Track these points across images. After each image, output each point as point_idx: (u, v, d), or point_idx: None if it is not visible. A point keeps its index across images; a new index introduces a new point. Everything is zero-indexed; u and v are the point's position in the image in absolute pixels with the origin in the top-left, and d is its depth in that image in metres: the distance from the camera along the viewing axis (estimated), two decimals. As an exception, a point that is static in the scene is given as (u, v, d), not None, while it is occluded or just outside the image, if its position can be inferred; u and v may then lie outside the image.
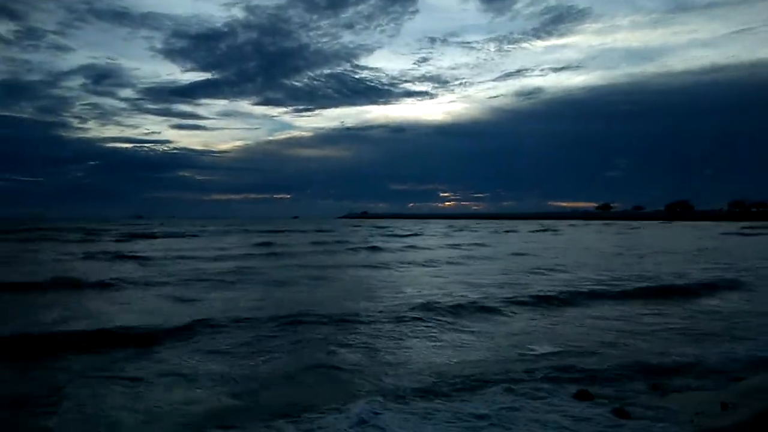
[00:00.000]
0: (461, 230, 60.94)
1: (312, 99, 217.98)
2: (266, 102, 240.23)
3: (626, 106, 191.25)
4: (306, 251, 27.60)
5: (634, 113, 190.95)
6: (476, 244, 34.40)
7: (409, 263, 21.05)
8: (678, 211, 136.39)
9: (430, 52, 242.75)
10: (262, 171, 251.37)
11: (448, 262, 21.29)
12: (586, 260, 21.85)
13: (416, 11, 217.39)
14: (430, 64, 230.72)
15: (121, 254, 23.16)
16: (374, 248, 29.19)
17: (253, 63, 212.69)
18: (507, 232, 54.91)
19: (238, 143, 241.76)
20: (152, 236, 42.59)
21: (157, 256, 22.96)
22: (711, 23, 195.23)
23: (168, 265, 19.40)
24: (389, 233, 50.95)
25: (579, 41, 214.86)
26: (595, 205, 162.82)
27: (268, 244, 32.25)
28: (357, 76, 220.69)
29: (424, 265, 20.30)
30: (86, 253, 24.29)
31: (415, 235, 48.56)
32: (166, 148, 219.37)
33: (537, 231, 56.84)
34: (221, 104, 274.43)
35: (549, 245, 33.02)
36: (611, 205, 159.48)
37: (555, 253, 25.95)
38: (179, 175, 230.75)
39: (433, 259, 22.77)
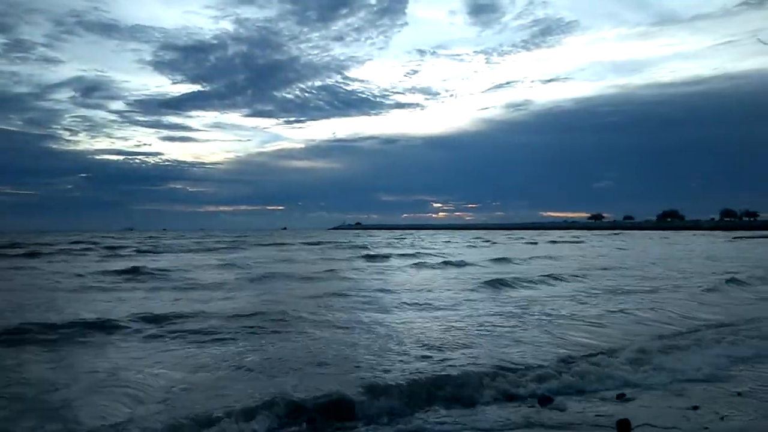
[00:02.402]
0: (475, 240, 60.72)
1: (303, 111, 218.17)
2: (256, 114, 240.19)
3: (614, 118, 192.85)
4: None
5: (622, 124, 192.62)
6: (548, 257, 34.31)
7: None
8: (669, 221, 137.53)
9: (420, 65, 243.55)
10: (253, 183, 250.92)
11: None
12: None
13: (405, 24, 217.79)
14: (419, 76, 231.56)
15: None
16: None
17: (242, 75, 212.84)
18: (528, 243, 54.89)
19: (229, 155, 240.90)
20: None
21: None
22: (695, 36, 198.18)
23: None
24: (379, 246, 50.28)
25: (567, 53, 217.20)
26: (587, 215, 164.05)
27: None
28: (348, 88, 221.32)
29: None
30: None
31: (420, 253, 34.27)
32: (157, 160, 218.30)
33: (567, 242, 54.05)
34: (211, 116, 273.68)
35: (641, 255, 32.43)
36: (603, 215, 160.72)
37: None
38: (170, 187, 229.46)
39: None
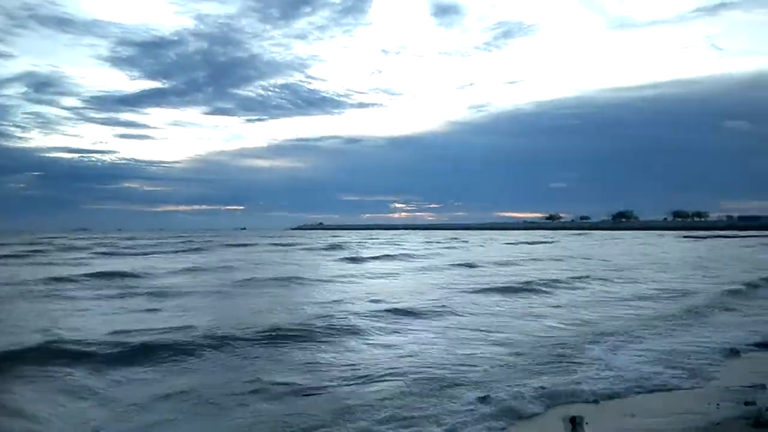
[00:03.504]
0: (450, 241, 60.92)
1: (264, 109, 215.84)
2: (217, 112, 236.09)
3: (572, 120, 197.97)
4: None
5: (579, 127, 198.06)
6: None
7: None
8: (622, 221, 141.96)
9: (383, 64, 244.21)
10: (212, 182, 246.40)
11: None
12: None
13: (369, 23, 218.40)
14: (383, 76, 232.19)
15: None
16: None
17: (203, 72, 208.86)
18: (489, 241, 55.51)
19: (188, 153, 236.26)
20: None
21: None
22: (652, 41, 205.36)
23: None
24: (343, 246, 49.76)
25: (527, 56, 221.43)
26: (544, 215, 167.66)
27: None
28: (310, 87, 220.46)
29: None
30: None
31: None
32: (112, 159, 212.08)
33: (535, 243, 54.10)
34: (170, 114, 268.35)
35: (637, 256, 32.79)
36: (559, 215, 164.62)
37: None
38: (126, 186, 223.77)
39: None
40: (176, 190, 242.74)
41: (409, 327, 10.29)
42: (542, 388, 6.42)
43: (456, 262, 26.15)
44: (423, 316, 11.27)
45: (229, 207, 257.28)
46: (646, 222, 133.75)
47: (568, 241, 56.63)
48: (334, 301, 13.41)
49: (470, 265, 24.49)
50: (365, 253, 34.68)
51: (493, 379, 6.82)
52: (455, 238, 67.22)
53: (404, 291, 15.64)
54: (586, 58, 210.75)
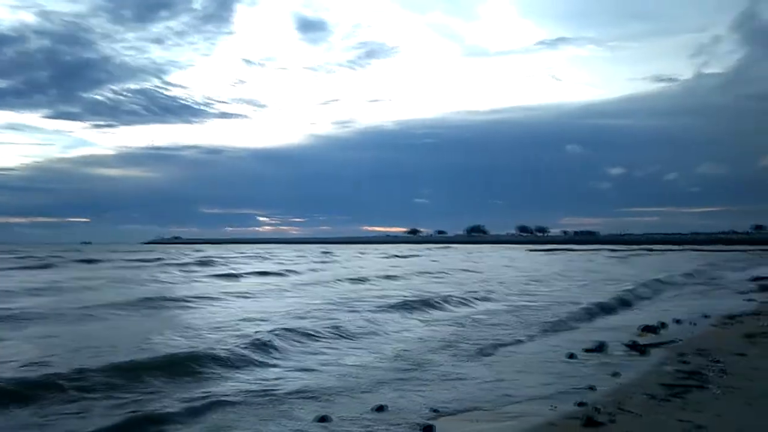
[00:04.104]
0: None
1: (115, 115, 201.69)
2: (60, 116, 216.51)
3: (430, 139, 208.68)
4: None
5: (437, 146, 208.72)
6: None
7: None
8: (475, 236, 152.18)
9: (247, 75, 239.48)
10: (53, 191, 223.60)
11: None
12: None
13: (231, 33, 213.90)
14: (246, 87, 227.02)
15: None
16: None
17: (45, 72, 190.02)
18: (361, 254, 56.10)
19: (26, 160, 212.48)
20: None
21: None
22: (501, 69, 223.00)
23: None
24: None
25: (389, 76, 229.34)
26: (405, 229, 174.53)
27: None
28: (167, 93, 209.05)
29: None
30: None
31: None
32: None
33: (409, 256, 54.90)
34: (6, 116, 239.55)
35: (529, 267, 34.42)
36: (419, 230, 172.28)
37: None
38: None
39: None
40: (11, 200, 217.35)
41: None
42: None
43: (345, 277, 26.05)
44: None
45: (72, 219, 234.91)
46: (496, 236, 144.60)
47: (436, 255, 59.13)
48: (215, 326, 12.07)
49: (361, 280, 24.44)
50: (242, 269, 33.05)
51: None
52: (327, 252, 67.30)
53: (306, 309, 14.76)
54: (444, 81, 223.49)
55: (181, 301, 16.77)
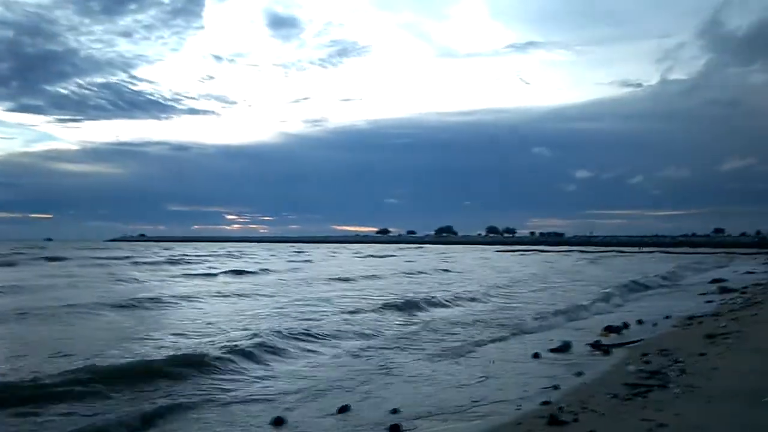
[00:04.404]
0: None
1: (80, 109, 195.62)
2: (22, 109, 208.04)
3: (402, 140, 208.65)
4: None
5: (408, 147, 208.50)
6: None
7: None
8: (444, 236, 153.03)
9: (216, 71, 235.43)
10: (14, 186, 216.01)
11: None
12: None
13: (201, 27, 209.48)
14: (215, 83, 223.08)
15: None
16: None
17: (6, 64, 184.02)
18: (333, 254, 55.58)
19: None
20: None
21: None
22: (471, 71, 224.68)
23: None
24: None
25: (361, 75, 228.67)
26: (375, 229, 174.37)
27: None
28: (134, 88, 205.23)
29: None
30: None
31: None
32: None
33: (384, 256, 54.62)
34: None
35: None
36: (389, 230, 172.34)
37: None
38: None
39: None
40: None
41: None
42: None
43: (327, 276, 25.93)
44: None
45: (32, 215, 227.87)
46: (465, 237, 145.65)
47: (410, 255, 58.91)
48: (195, 329, 11.78)
49: (345, 279, 24.43)
50: (217, 267, 32.51)
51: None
52: (300, 251, 66.88)
53: (290, 310, 14.64)
54: (416, 82, 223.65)
55: (157, 302, 16.22)
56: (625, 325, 12.53)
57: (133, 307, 15.00)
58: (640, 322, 13.21)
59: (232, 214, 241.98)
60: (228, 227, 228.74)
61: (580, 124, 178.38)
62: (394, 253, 62.97)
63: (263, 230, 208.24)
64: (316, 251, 68.64)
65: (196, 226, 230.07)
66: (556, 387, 7.52)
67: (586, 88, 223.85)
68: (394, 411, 6.59)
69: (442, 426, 6.17)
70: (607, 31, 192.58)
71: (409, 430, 6.01)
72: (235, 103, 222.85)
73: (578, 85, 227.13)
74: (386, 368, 8.80)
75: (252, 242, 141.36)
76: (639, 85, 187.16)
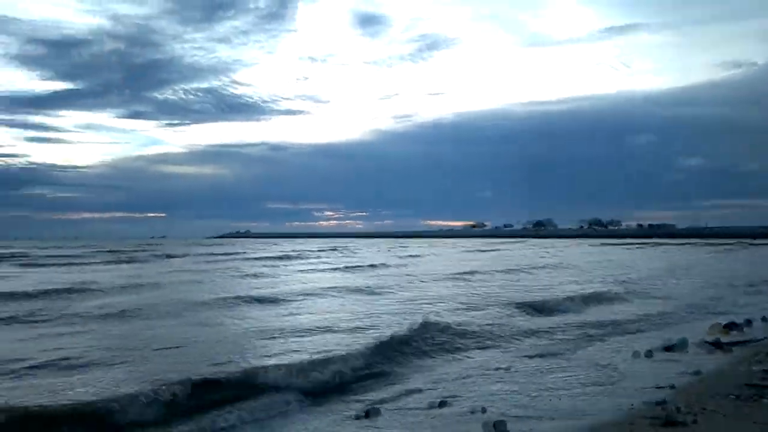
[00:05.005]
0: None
1: (185, 114, 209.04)
2: (134, 115, 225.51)
3: (492, 131, 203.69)
4: None
5: (500, 138, 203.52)
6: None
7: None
8: (543, 229, 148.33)
9: (310, 71, 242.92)
10: (130, 188, 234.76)
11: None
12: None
13: (294, 30, 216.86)
14: (308, 83, 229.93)
15: None
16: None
17: (119, 74, 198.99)
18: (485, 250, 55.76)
19: (104, 158, 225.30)
20: None
21: None
22: (565, 58, 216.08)
23: None
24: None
25: (450, 68, 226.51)
26: (469, 223, 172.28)
27: None
28: (234, 92, 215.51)
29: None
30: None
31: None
32: (20, 162, 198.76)
33: (492, 250, 53.63)
34: (84, 116, 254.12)
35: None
36: (485, 223, 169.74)
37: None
38: (37, 193, 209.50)
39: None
40: (91, 197, 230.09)
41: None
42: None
43: (450, 270, 26.01)
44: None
45: (150, 214, 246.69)
46: (565, 230, 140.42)
47: (517, 249, 57.26)
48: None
49: (470, 273, 24.36)
50: (331, 263, 33.36)
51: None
52: (404, 246, 67.34)
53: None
54: (505, 72, 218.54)
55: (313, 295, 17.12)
56: (748, 322, 11.67)
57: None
58: (764, 319, 12.24)
59: (326, 210, 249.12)
60: (324, 223, 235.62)
61: (684, 109, 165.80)
62: (498, 247, 61.89)
63: (357, 226, 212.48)
64: (415, 246, 68.91)
65: (293, 223, 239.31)
66: (672, 386, 7.18)
67: (691, 71, 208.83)
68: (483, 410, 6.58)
69: (551, 424, 6.06)
70: (710, 10, 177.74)
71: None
72: (327, 102, 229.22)
73: (682, 68, 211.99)
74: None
75: (347, 237, 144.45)
76: (752, 64, 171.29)
